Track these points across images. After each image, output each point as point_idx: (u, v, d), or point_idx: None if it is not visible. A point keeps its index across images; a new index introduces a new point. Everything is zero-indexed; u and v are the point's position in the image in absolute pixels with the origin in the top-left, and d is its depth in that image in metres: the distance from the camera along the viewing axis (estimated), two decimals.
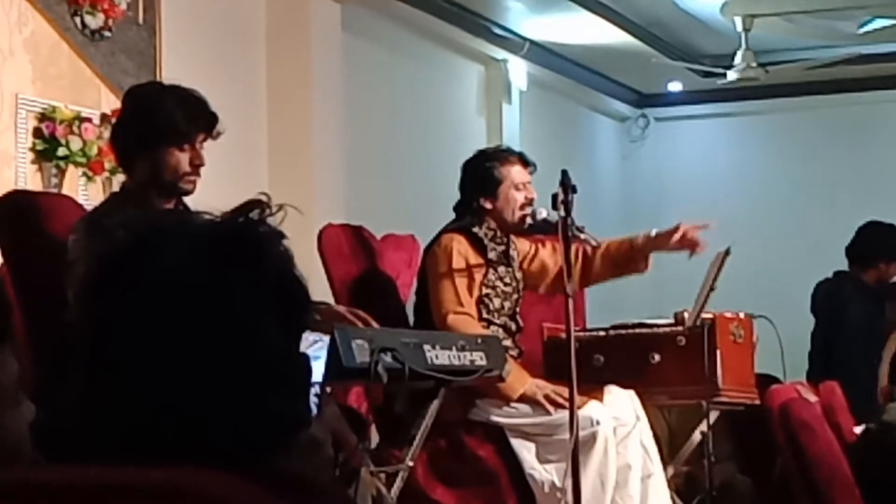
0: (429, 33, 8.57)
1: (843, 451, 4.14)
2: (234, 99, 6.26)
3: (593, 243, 5.01)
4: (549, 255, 5.26)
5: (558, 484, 4.78)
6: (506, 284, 5.10)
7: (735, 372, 5.35)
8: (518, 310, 5.17)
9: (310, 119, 7.19)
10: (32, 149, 5.70)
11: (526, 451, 4.88)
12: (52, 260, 3.80)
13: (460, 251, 4.99)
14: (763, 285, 9.15)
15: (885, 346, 4.92)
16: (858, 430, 4.36)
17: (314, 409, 3.46)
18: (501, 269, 5.10)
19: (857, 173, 10.69)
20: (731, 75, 9.31)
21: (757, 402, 5.18)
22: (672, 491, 5.23)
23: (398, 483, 4.55)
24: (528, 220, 5.09)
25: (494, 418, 4.91)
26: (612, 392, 5.01)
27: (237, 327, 1.41)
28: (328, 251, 5.26)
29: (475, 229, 5.07)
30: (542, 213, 5.07)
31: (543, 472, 4.84)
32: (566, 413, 4.62)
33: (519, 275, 5.19)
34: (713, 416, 5.47)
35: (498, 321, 5.06)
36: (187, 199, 3.95)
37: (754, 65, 9.19)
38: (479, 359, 4.49)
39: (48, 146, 5.70)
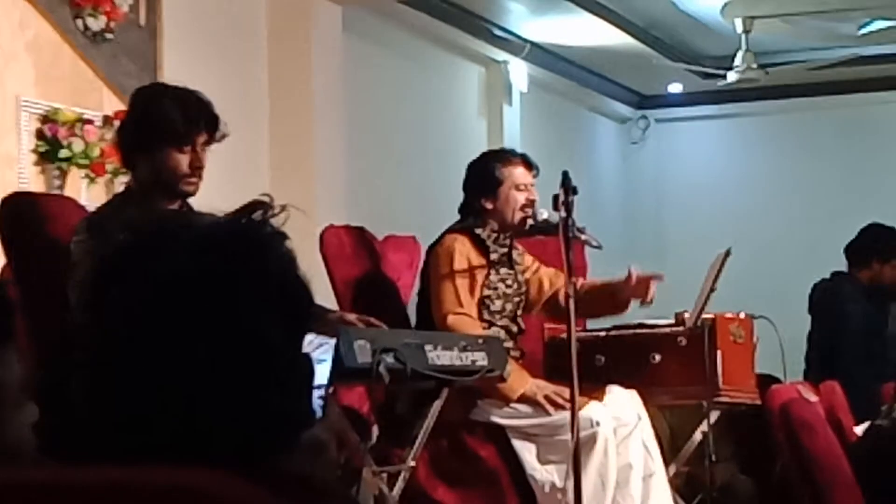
0: (429, 35, 8.58)
1: (844, 451, 4.15)
2: (235, 101, 6.27)
3: (594, 244, 5.01)
4: (548, 276, 5.25)
5: (559, 484, 4.78)
6: (507, 286, 5.10)
7: (735, 372, 5.36)
8: (520, 312, 5.17)
9: (311, 120, 7.20)
10: (35, 150, 5.71)
11: (527, 451, 4.88)
12: (54, 261, 3.81)
13: (462, 252, 5.00)
14: (763, 286, 9.15)
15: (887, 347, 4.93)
16: (858, 429, 4.37)
17: (318, 412, 3.47)
18: (503, 270, 5.10)
19: (857, 174, 10.70)
20: (732, 77, 9.32)
21: (757, 402, 5.18)
22: (673, 491, 5.24)
23: (400, 483, 4.56)
24: (530, 222, 5.09)
25: (496, 419, 4.91)
26: (614, 392, 5.01)
27: (240, 328, 1.41)
28: (330, 252, 5.26)
29: (478, 230, 5.08)
30: (543, 214, 5.07)
31: (544, 472, 4.84)
32: (567, 414, 4.62)
33: (521, 278, 5.18)
34: (714, 416, 5.48)
35: (499, 323, 5.06)
36: (191, 200, 3.95)
37: (754, 66, 9.20)
38: (481, 359, 4.50)
39: (50, 148, 5.71)
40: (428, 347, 4.28)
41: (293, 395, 1.45)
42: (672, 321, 5.41)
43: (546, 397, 4.85)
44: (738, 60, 9.21)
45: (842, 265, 7.28)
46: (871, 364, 6.62)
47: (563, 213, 4.66)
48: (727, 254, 5.39)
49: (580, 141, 10.78)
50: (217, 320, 1.40)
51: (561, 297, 5.17)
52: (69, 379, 1.47)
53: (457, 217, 5.20)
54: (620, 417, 4.91)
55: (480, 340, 4.60)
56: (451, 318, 4.89)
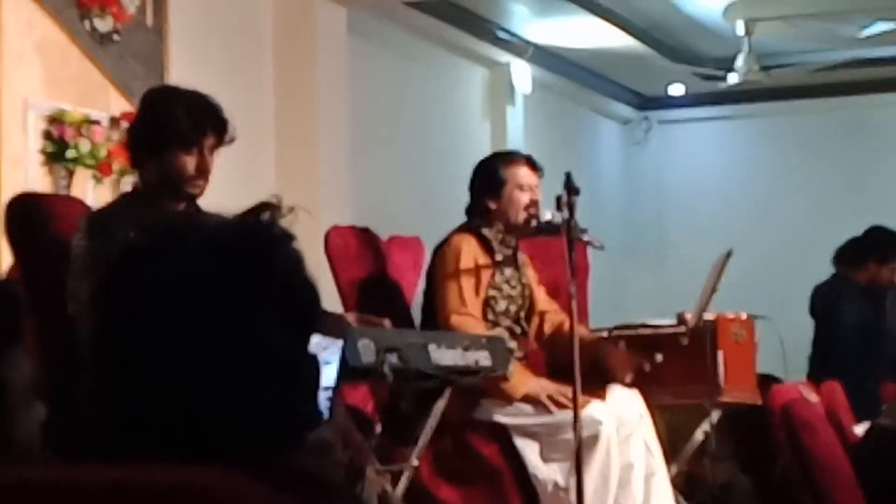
0: (433, 37, 8.59)
1: (845, 451, 4.16)
2: (241, 102, 6.27)
3: (597, 245, 5.03)
4: (542, 298, 5.27)
5: (562, 483, 4.79)
6: (511, 287, 5.10)
7: (737, 372, 5.37)
8: (524, 314, 5.17)
9: (315, 121, 7.21)
10: (42, 151, 5.72)
11: (530, 450, 4.88)
12: (61, 262, 3.81)
13: (469, 252, 5.00)
14: (765, 286, 9.16)
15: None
16: (858, 429, 4.38)
17: (325, 413, 3.48)
18: (508, 271, 5.11)
19: (858, 176, 10.70)
20: (733, 78, 9.33)
21: (758, 402, 5.19)
22: (674, 490, 5.25)
23: (403, 482, 4.57)
24: (534, 223, 5.09)
25: (499, 418, 4.92)
26: (616, 392, 5.03)
27: (247, 328, 1.41)
28: (334, 253, 5.27)
29: (484, 230, 5.09)
30: (546, 215, 5.07)
31: (547, 471, 4.84)
32: (569, 413, 4.63)
33: (525, 280, 5.19)
34: (715, 415, 5.49)
35: (503, 324, 5.06)
36: (196, 201, 3.96)
37: (756, 68, 9.21)
38: (484, 359, 4.51)
39: (57, 148, 5.72)
40: (431, 347, 4.29)
41: (299, 395, 1.46)
42: (674, 321, 5.42)
43: (549, 397, 4.86)
44: (739, 62, 9.22)
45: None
46: (865, 363, 6.64)
47: (566, 214, 4.67)
48: (729, 254, 5.40)
49: (583, 142, 10.79)
50: (223, 321, 1.41)
51: (546, 328, 5.21)
52: (76, 379, 1.48)
53: (461, 218, 5.21)
54: (622, 417, 4.92)
55: (483, 340, 4.61)
56: (454, 318, 4.89)
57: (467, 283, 4.95)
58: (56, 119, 5.74)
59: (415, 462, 4.59)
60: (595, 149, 11.09)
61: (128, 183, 5.29)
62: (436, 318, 4.95)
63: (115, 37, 6.04)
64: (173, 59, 6.33)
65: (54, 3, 5.78)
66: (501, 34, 9.03)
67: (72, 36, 5.87)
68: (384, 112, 8.26)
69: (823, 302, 7.20)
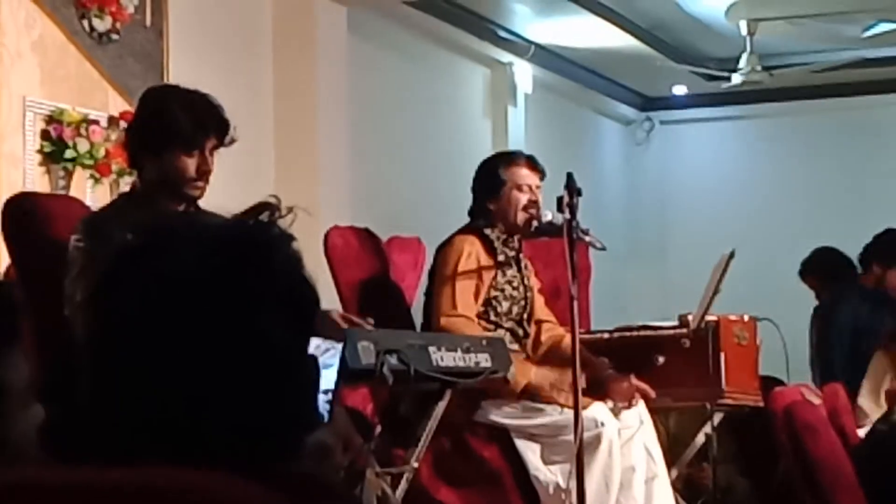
0: (434, 36, 8.59)
1: (847, 454, 4.14)
2: (240, 101, 6.27)
3: (598, 246, 5.02)
4: (540, 307, 5.26)
5: (563, 485, 4.78)
6: (514, 288, 5.10)
7: (739, 374, 5.36)
8: (526, 316, 5.16)
9: (315, 121, 7.20)
10: (40, 151, 5.71)
11: (531, 452, 4.88)
12: (60, 262, 3.80)
13: (471, 252, 5.00)
14: (767, 288, 9.15)
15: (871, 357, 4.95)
16: (861, 432, 4.37)
17: (325, 417, 3.47)
18: (510, 272, 5.10)
19: (861, 176, 10.69)
20: (736, 79, 9.32)
21: (760, 404, 5.18)
22: (675, 493, 5.24)
23: (403, 484, 4.56)
24: (535, 224, 5.08)
25: (499, 419, 4.92)
26: None
27: (246, 329, 1.40)
28: (334, 253, 5.27)
29: (486, 231, 5.09)
30: (548, 216, 5.07)
31: (548, 473, 4.84)
32: (570, 414, 4.62)
33: (528, 282, 5.18)
34: (716, 418, 5.48)
35: (505, 325, 5.05)
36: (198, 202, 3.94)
37: (759, 68, 9.20)
38: (484, 361, 4.50)
39: (56, 148, 5.72)
40: (432, 349, 4.29)
41: (299, 396, 1.45)
42: (676, 323, 5.41)
43: (552, 385, 4.85)
44: (742, 62, 9.21)
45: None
46: (859, 365, 6.62)
47: (568, 215, 4.67)
48: (731, 256, 5.39)
49: (584, 142, 10.79)
50: (222, 322, 1.40)
51: (543, 338, 5.20)
52: (74, 380, 1.47)
53: (462, 218, 5.21)
54: (624, 419, 4.92)
55: (484, 342, 4.60)
56: (443, 321, 4.90)
57: (463, 284, 4.94)
58: (54, 119, 5.73)
59: (415, 464, 4.58)
60: (597, 149, 11.09)
61: (126, 183, 5.28)
62: (430, 319, 4.96)
63: (114, 36, 6.04)
64: (172, 59, 6.32)
65: (53, 3, 5.78)
66: (503, 34, 9.03)
67: (70, 35, 5.87)
68: (385, 112, 8.25)
69: (822, 303, 7.22)
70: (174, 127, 3.77)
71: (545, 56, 9.49)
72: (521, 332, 5.12)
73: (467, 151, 8.43)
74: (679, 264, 10.63)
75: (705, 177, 11.27)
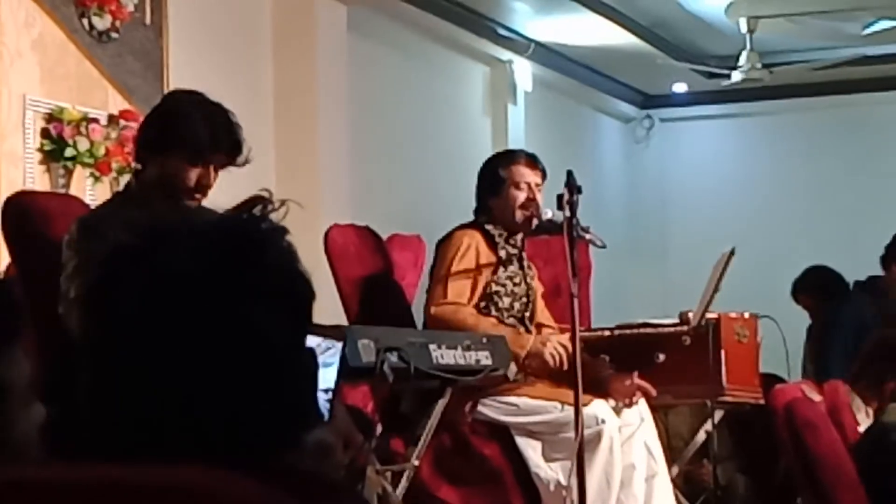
0: (434, 34, 8.59)
1: (848, 451, 4.15)
2: (240, 100, 6.25)
3: (598, 243, 5.01)
4: (540, 309, 5.26)
5: (564, 482, 4.78)
6: (515, 284, 5.09)
7: (739, 371, 5.36)
8: (528, 314, 5.16)
9: (316, 119, 7.20)
10: (40, 149, 5.71)
11: (531, 449, 4.88)
12: (59, 261, 3.80)
13: (470, 244, 5.00)
14: (767, 285, 9.14)
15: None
16: (861, 428, 4.37)
17: (325, 415, 3.47)
18: (512, 268, 5.09)
19: (861, 174, 10.69)
20: (736, 76, 9.32)
21: (761, 401, 5.19)
22: (675, 491, 5.24)
23: (404, 482, 4.56)
24: (535, 221, 5.08)
25: (500, 417, 4.92)
26: None
27: (242, 324, 1.40)
28: (334, 251, 5.27)
29: (488, 226, 5.09)
30: (548, 214, 5.07)
31: (549, 470, 4.84)
32: (571, 411, 4.62)
33: (531, 282, 5.17)
34: (717, 415, 5.48)
35: (508, 321, 5.05)
36: None
37: (759, 66, 9.20)
38: (485, 358, 4.51)
39: (56, 147, 5.72)
40: (432, 347, 4.29)
41: (298, 390, 1.44)
42: (676, 321, 5.41)
43: (551, 354, 4.86)
44: (742, 60, 9.21)
45: (844, 265, 7.29)
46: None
47: (568, 213, 4.67)
48: (731, 253, 5.39)
49: (584, 140, 10.79)
50: (217, 317, 1.39)
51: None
52: (74, 378, 1.47)
53: (462, 216, 5.21)
54: (624, 417, 4.92)
55: (484, 340, 4.60)
56: (433, 310, 4.90)
57: (458, 275, 4.93)
58: (54, 117, 5.73)
59: (415, 462, 4.58)
60: (597, 147, 11.09)
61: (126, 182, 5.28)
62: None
63: (114, 34, 6.04)
64: (172, 57, 6.32)
65: (52, 1, 5.78)
66: (503, 31, 9.03)
67: (70, 34, 5.86)
68: (385, 110, 8.26)
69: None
70: (187, 133, 3.73)
71: (545, 54, 9.49)
72: (522, 329, 5.11)
73: (467, 149, 8.43)
74: (679, 262, 10.64)
75: (705, 174, 11.27)
